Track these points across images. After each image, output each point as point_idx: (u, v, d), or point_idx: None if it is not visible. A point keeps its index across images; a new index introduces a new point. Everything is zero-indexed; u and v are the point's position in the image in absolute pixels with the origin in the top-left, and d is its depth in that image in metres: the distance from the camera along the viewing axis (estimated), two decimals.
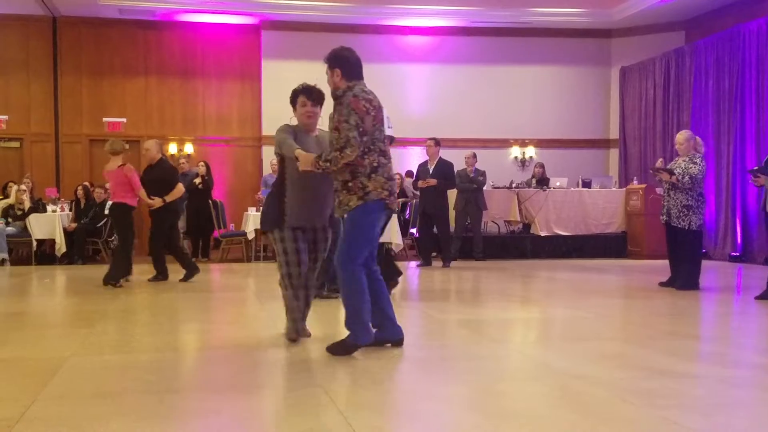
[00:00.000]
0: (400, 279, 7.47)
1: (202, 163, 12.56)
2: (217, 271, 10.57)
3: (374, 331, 4.63)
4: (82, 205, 11.90)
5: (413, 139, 13.13)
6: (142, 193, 8.28)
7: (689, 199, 7.60)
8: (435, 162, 10.72)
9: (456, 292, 8.20)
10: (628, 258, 12.27)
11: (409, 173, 13.18)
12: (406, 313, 6.06)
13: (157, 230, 8.63)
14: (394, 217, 8.39)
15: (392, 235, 9.00)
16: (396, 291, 7.38)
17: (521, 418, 3.14)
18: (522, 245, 12.53)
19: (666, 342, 4.90)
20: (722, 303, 7.21)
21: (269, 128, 13.15)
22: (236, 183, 14.48)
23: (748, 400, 3.54)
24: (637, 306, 6.91)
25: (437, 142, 10.83)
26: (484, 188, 11.94)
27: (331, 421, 3.07)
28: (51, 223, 11.34)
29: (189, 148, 14.32)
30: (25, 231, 11.41)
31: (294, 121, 4.80)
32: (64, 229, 11.41)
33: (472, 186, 11.59)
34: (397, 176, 11.69)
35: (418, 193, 11.28)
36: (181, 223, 12.53)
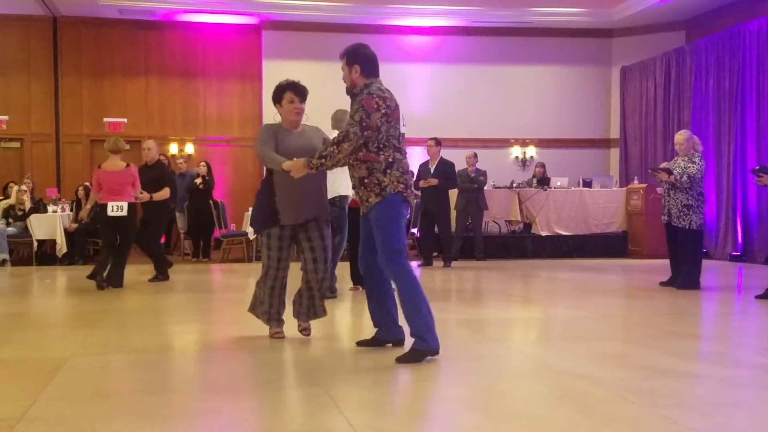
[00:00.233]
0: None
1: (203, 163, 12.55)
2: (218, 272, 10.58)
3: (376, 330, 4.64)
4: (83, 206, 11.87)
5: (414, 139, 13.06)
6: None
7: (689, 199, 7.60)
8: (436, 162, 10.71)
9: (457, 291, 8.19)
10: (629, 258, 12.26)
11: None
12: None
13: (155, 230, 8.67)
14: None
15: None
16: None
17: (522, 417, 3.14)
18: (523, 245, 12.53)
19: (667, 341, 4.90)
20: (723, 302, 7.21)
21: None
22: (237, 183, 14.48)
23: (749, 399, 3.54)
24: (637, 306, 6.90)
25: (438, 142, 10.82)
26: (485, 188, 11.94)
27: (332, 422, 3.07)
28: (52, 224, 11.34)
29: (190, 149, 14.34)
30: (25, 231, 11.41)
31: (278, 118, 4.79)
32: (65, 230, 11.42)
33: (473, 186, 11.59)
34: None
35: (419, 193, 11.27)
36: (182, 223, 12.59)
